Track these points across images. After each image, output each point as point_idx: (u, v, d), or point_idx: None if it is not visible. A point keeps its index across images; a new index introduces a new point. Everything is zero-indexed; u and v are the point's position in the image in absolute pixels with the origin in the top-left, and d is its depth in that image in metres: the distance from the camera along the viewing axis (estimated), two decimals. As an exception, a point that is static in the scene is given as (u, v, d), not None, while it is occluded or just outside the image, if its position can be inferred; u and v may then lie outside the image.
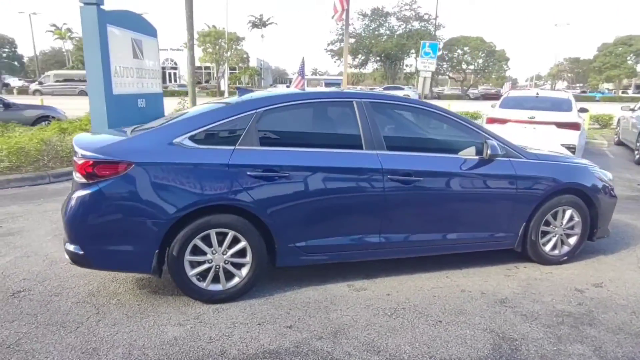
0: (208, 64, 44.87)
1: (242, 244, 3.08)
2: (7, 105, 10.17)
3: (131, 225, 2.90)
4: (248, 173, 3.02)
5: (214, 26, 40.60)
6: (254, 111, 3.20)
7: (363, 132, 3.33)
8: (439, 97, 37.45)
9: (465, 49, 44.56)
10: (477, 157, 3.49)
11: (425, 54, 12.40)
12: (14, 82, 47.56)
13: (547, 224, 3.81)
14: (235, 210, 3.04)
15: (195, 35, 43.36)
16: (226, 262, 3.09)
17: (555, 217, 3.81)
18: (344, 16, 12.24)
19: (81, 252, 2.93)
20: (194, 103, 13.02)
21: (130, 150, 2.94)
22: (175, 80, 54.21)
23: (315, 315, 2.98)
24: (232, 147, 3.07)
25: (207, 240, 3.02)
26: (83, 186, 2.89)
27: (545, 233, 3.83)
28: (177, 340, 2.66)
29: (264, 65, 54.92)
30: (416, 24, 41.27)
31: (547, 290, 3.40)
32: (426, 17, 41.23)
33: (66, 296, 3.19)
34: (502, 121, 7.94)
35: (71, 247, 2.95)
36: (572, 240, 3.92)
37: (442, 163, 3.47)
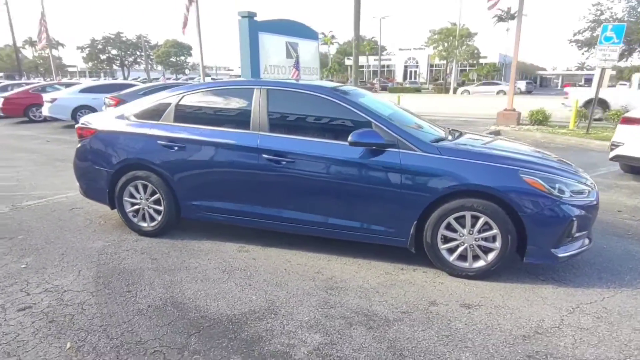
0: (444, 61, 44.94)
1: (157, 195, 4.06)
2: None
3: (95, 170, 4.29)
4: (158, 142, 3.98)
5: (454, 24, 40.33)
6: (177, 95, 4.11)
7: (252, 115, 3.77)
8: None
9: None
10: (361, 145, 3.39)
11: (606, 39, 9.77)
12: None
13: (453, 229, 3.31)
14: (150, 169, 4.05)
15: (428, 34, 44.06)
16: (149, 207, 4.14)
17: (461, 222, 3.27)
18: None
19: (79, 185, 4.52)
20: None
21: (98, 121, 4.33)
22: (415, 78, 56.58)
23: (181, 257, 3.72)
24: (155, 122, 4.07)
25: (137, 188, 4.14)
26: (78, 143, 4.43)
27: (449, 239, 3.34)
28: (91, 249, 3.90)
29: (507, 61, 50.88)
30: None
31: (394, 294, 3.10)
32: None
33: (88, 214, 4.86)
34: (638, 121, 6.08)
35: (78, 183, 4.57)
36: (490, 256, 3.26)
37: (321, 148, 3.53)
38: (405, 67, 65.32)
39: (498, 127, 12.77)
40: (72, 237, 4.17)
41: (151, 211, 4.15)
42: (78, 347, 2.48)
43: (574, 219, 3.14)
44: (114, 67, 70.22)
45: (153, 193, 4.09)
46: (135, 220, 4.22)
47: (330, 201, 3.57)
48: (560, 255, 3.18)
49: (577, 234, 3.23)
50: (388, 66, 68.32)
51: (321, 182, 3.54)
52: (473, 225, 3.24)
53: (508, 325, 2.70)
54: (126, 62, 69.16)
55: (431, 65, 60.98)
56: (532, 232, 3.14)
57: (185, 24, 14.80)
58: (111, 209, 4.39)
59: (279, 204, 3.73)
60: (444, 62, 45.68)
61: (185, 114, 4.07)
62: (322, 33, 69.38)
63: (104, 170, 4.19)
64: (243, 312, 2.85)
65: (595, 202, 3.30)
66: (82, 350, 2.45)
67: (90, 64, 68.31)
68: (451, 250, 3.36)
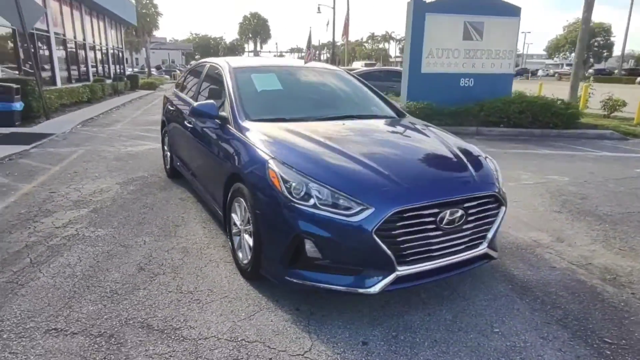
0: None
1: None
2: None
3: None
4: (169, 106, 5.17)
5: None
6: (185, 72, 5.16)
7: (196, 87, 4.42)
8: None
9: None
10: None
11: None
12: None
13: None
14: (166, 126, 5.30)
15: None
16: (167, 155, 5.45)
17: (240, 206, 2.97)
18: None
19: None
20: (575, 90, 10.97)
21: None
22: None
23: (149, 193, 4.86)
24: (177, 91, 5.26)
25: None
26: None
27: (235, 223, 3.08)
28: (132, 177, 5.59)
29: None
30: None
31: (169, 267, 3.24)
32: None
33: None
34: None
35: None
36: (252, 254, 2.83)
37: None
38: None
39: None
40: (142, 171, 5.93)
41: (167, 159, 5.45)
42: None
43: (308, 236, 2.35)
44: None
45: (169, 145, 5.35)
46: (164, 163, 5.64)
47: (201, 167, 3.86)
48: (289, 278, 2.46)
49: (323, 261, 2.39)
50: None
51: (199, 148, 3.86)
52: (242, 212, 2.92)
53: (139, 317, 2.49)
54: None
55: None
56: (264, 236, 2.58)
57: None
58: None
59: (190, 162, 4.29)
60: None
61: (185, 85, 5.08)
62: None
63: (162, 125, 5.75)
64: (89, 238, 3.78)
65: (362, 228, 2.27)
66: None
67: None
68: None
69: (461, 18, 9.46)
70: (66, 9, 15.66)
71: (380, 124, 3.56)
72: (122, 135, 8.83)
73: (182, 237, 3.65)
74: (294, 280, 2.44)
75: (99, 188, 5.00)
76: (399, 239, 2.34)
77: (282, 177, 2.48)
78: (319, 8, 36.82)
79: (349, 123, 3.40)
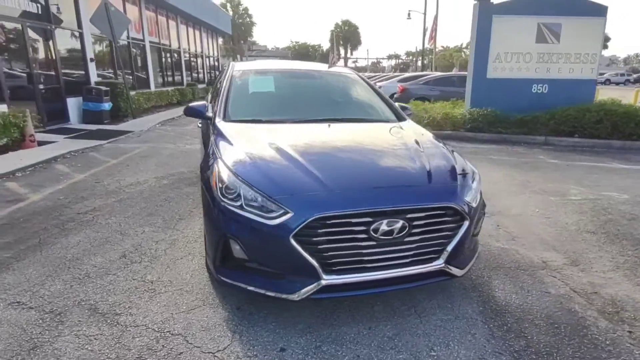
0: None
1: (200, 144, 5.64)
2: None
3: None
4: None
5: None
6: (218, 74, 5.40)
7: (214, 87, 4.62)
8: None
9: None
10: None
11: None
12: None
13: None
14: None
15: None
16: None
17: (207, 205, 3.09)
18: None
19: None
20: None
21: None
22: None
23: (176, 186, 5.21)
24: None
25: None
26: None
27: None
28: (170, 171, 6.03)
29: None
30: None
31: (146, 249, 3.44)
32: None
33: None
34: None
35: None
36: (209, 250, 2.92)
37: None
38: None
39: None
40: (184, 167, 6.42)
41: (201, 156, 5.78)
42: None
43: (235, 237, 2.35)
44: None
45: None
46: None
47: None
48: (220, 277, 2.47)
49: (250, 263, 2.37)
50: None
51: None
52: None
53: (91, 300, 2.72)
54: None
55: None
56: (206, 234, 2.65)
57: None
58: (200, 151, 6.31)
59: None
60: None
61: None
62: None
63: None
64: (99, 225, 4.18)
65: (280, 232, 2.20)
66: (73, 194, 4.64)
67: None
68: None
69: (534, 20, 8.67)
70: (162, 19, 17.30)
71: (359, 127, 3.44)
72: (188, 134, 9.53)
73: (178, 229, 3.86)
74: (224, 279, 2.46)
75: (137, 181, 5.47)
76: (322, 247, 2.24)
77: (219, 177, 2.51)
78: (409, 14, 36.12)
79: (322, 127, 3.32)
